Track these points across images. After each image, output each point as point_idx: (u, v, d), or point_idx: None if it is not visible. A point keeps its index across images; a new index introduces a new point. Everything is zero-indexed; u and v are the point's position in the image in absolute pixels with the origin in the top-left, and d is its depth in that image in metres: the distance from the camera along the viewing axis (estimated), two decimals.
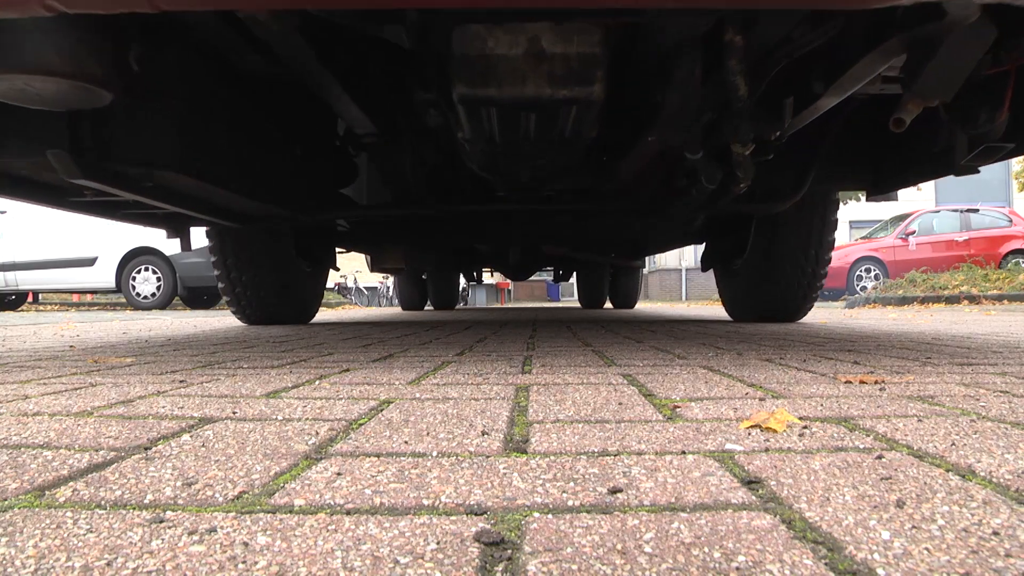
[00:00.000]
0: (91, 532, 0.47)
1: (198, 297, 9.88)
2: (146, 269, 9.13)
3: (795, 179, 2.56)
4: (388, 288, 17.89)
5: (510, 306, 14.20)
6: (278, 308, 3.66)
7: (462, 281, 18.54)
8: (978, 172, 2.06)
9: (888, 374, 1.30)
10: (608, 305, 9.08)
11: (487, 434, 0.77)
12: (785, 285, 3.34)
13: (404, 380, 1.28)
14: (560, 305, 14.08)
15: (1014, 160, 17.21)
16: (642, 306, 11.09)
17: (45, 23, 1.23)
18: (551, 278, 9.88)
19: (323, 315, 6.66)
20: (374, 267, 5.86)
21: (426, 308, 8.97)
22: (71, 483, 0.59)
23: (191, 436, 0.78)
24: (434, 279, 8.60)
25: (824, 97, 1.60)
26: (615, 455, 0.67)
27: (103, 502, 0.53)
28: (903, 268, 11.04)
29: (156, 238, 9.03)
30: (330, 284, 17.79)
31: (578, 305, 12.95)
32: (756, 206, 2.80)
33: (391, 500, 0.54)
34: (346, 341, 2.44)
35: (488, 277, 19.21)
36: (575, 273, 9.00)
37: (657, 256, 20.91)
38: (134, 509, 0.52)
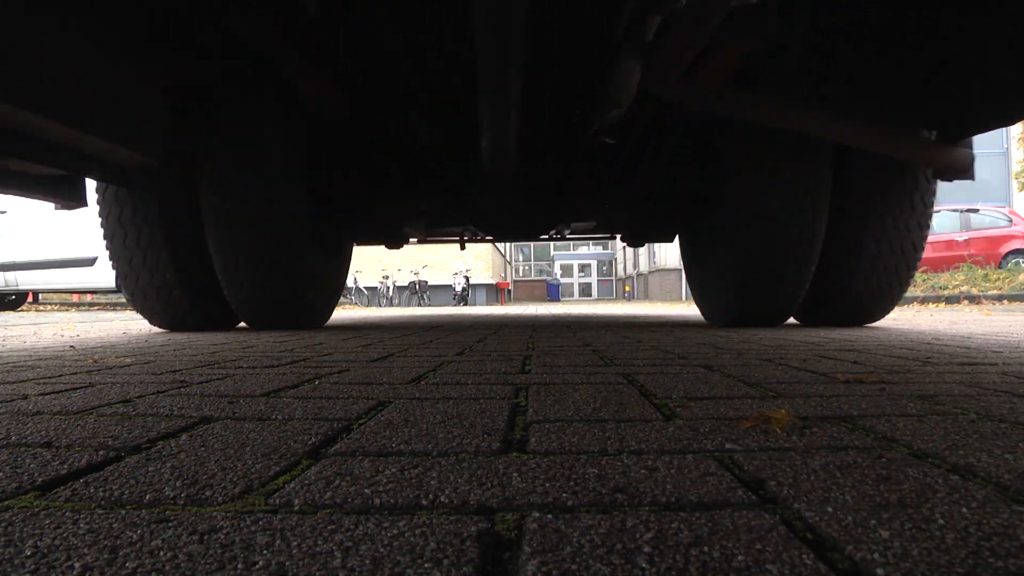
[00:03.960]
0: (91, 532, 0.47)
1: None
2: None
3: None
4: (388, 288, 17.80)
5: (507, 311, 10.00)
6: None
7: (461, 281, 18.19)
8: None
9: (888, 374, 1.29)
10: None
11: (487, 434, 0.77)
12: None
13: (403, 380, 1.28)
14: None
15: (1014, 160, 17.23)
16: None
17: None
18: (606, 239, 4.66)
19: None
20: None
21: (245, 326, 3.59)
22: (71, 483, 0.59)
23: (190, 436, 0.78)
24: (235, 224, 2.71)
25: None
26: (614, 455, 0.67)
27: (103, 502, 0.53)
28: None
29: None
30: None
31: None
32: None
33: (391, 500, 0.54)
34: (346, 341, 2.44)
35: (478, 272, 18.99)
36: (682, 228, 3.59)
37: (657, 256, 20.89)
38: (134, 509, 0.52)
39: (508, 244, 27.78)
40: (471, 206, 3.47)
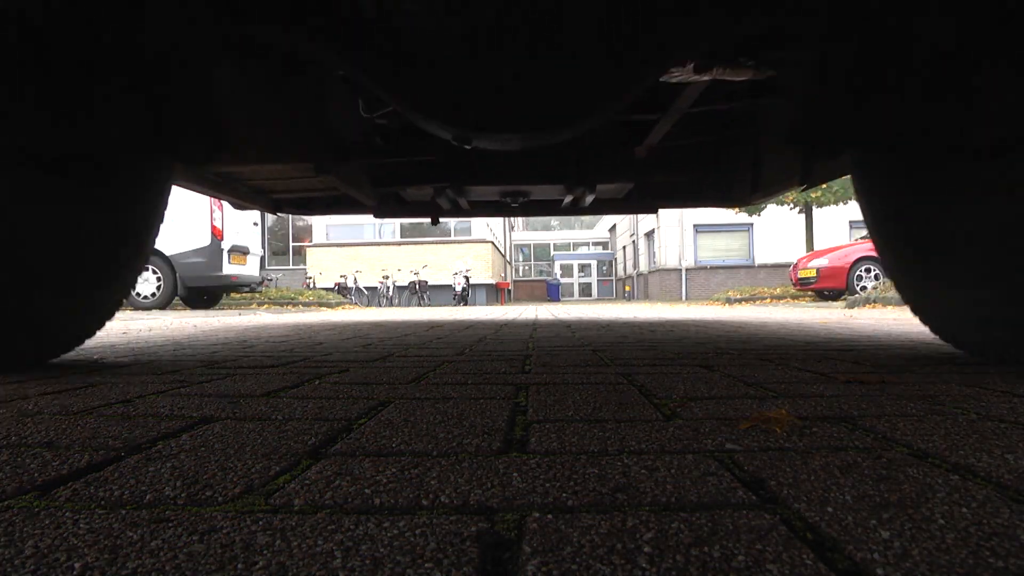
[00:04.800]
0: (91, 532, 0.47)
1: (198, 297, 9.87)
2: (146, 269, 9.13)
3: None
4: (388, 288, 17.82)
5: (506, 312, 7.90)
6: None
7: (461, 281, 18.16)
8: None
9: (888, 374, 1.29)
10: None
11: (487, 434, 0.77)
12: None
13: (404, 380, 1.28)
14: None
15: None
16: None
17: None
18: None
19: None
20: None
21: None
22: (71, 483, 0.59)
23: (191, 436, 0.78)
24: None
25: None
26: (615, 455, 0.67)
27: (103, 502, 0.53)
28: None
29: (158, 238, 9.02)
30: (330, 284, 17.80)
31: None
32: None
33: (391, 500, 0.54)
34: (346, 340, 2.44)
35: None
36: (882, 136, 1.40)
37: (657, 256, 20.92)
38: (134, 509, 0.52)
39: (508, 244, 27.71)
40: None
